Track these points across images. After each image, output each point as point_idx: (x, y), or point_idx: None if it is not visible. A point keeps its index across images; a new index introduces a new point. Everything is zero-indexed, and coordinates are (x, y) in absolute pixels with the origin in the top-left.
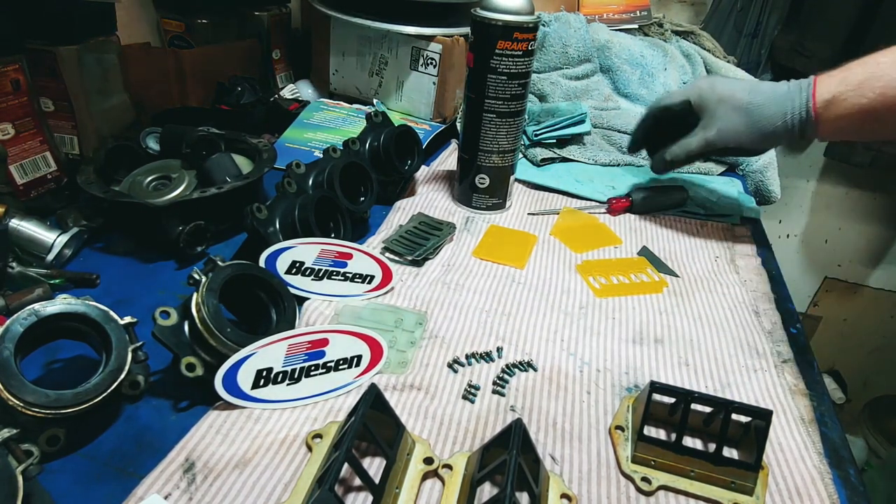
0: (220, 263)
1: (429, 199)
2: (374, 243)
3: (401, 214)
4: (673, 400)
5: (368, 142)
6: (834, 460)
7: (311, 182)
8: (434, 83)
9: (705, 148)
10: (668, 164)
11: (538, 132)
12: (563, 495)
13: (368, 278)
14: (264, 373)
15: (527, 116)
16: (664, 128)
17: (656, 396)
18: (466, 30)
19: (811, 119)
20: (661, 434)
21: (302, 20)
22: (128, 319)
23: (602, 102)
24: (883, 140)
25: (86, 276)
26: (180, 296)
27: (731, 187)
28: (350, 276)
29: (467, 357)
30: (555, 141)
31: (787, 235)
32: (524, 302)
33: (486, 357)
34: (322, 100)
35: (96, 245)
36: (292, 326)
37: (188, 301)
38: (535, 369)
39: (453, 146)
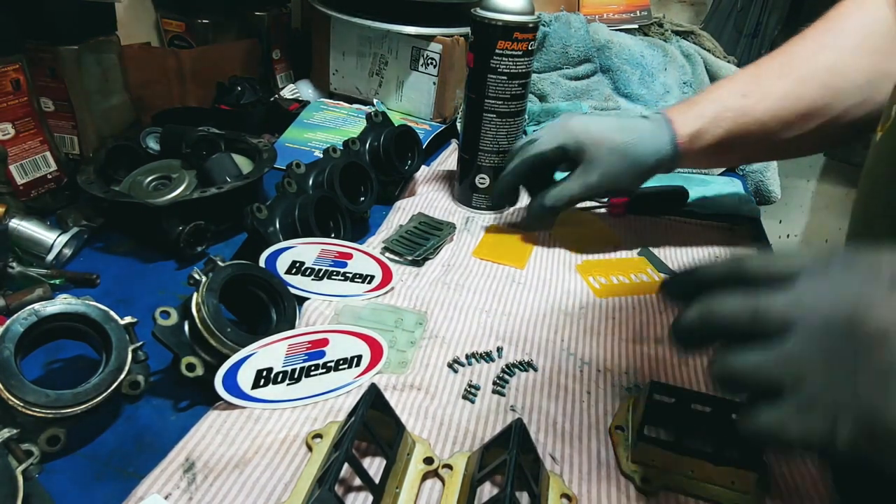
0: (220, 263)
1: (429, 199)
2: (374, 243)
3: (401, 214)
4: (673, 400)
5: (368, 142)
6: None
7: (311, 182)
8: (434, 83)
9: (587, 193)
10: (548, 210)
11: None
12: (563, 495)
13: (368, 278)
14: (264, 373)
15: (527, 116)
16: (536, 173)
17: (656, 396)
18: (466, 30)
19: (678, 153)
20: (661, 434)
21: (302, 20)
22: (128, 319)
23: (602, 102)
24: (732, 165)
25: (86, 276)
26: (180, 296)
27: (731, 187)
28: (350, 276)
29: (467, 357)
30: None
31: (787, 235)
32: (524, 302)
33: (486, 357)
34: (322, 100)
35: (96, 245)
36: (292, 326)
37: (188, 301)
38: (535, 369)
39: (453, 146)
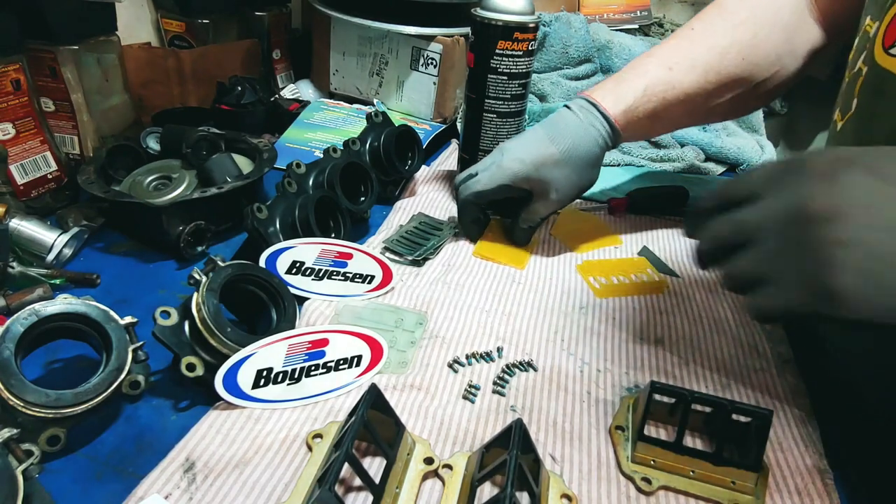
0: (220, 263)
1: (429, 199)
2: (375, 243)
3: (401, 214)
4: (673, 400)
5: (368, 142)
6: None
7: (311, 182)
8: (434, 83)
9: (554, 208)
10: (529, 232)
11: None
12: (564, 495)
13: (368, 278)
14: (264, 373)
15: (527, 116)
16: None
17: (656, 396)
18: (467, 30)
19: (617, 132)
20: (661, 434)
21: (302, 20)
22: (128, 319)
23: None
24: (656, 136)
25: (86, 276)
26: (180, 296)
27: None
28: (350, 276)
29: (467, 357)
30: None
31: None
32: (524, 302)
33: (487, 357)
34: (322, 100)
35: (96, 245)
36: (292, 326)
37: (188, 301)
38: (535, 369)
39: (453, 146)
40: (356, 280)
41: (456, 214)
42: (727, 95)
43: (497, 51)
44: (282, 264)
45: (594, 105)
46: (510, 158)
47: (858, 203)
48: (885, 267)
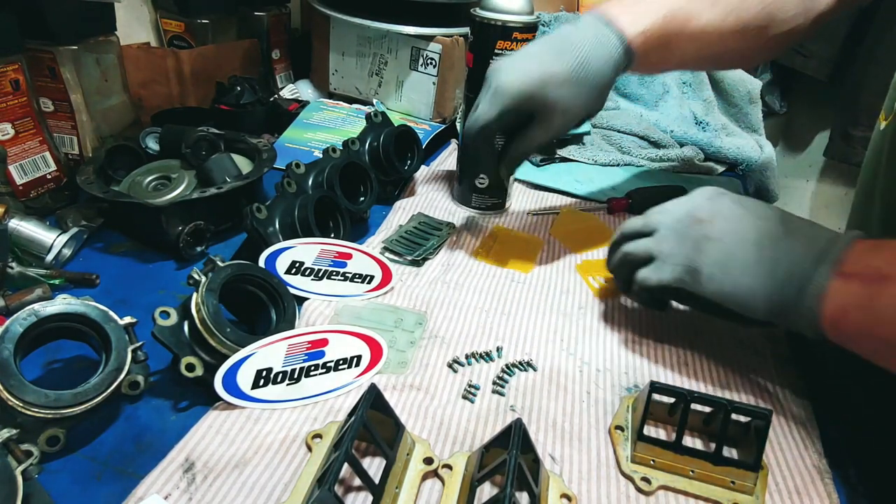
0: (219, 263)
1: (429, 199)
2: (374, 243)
3: (401, 214)
4: (673, 400)
5: (368, 142)
6: (834, 460)
7: (310, 182)
8: (434, 83)
9: (553, 136)
10: (517, 162)
11: None
12: (563, 495)
13: (368, 278)
14: (264, 373)
15: None
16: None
17: (656, 396)
18: (466, 30)
19: (632, 54)
20: (660, 434)
21: (302, 20)
22: (127, 319)
23: None
24: (660, 72)
25: (86, 277)
26: (180, 296)
27: (730, 187)
28: (350, 276)
29: (467, 357)
30: (554, 141)
31: None
32: (524, 301)
33: (486, 357)
34: (322, 100)
35: (96, 245)
36: (292, 326)
37: (188, 301)
38: (534, 369)
39: (453, 146)
40: (356, 280)
41: (455, 216)
42: (738, 44)
43: (496, 51)
44: (281, 264)
45: (607, 23)
46: (508, 77)
47: (724, 214)
48: (730, 257)
